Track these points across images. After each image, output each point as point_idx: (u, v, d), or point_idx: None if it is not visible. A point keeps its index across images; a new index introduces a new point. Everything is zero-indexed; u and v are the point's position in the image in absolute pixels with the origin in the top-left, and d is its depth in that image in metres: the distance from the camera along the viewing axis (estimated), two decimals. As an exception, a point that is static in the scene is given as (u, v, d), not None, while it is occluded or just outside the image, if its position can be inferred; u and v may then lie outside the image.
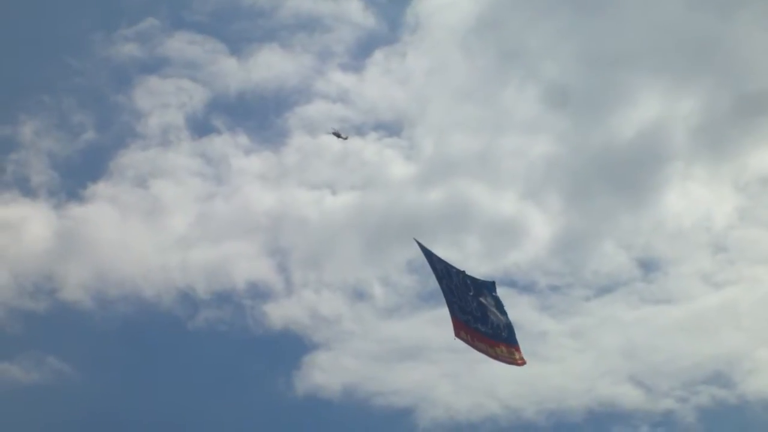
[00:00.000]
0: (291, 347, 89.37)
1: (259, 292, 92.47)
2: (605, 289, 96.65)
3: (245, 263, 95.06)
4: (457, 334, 49.81)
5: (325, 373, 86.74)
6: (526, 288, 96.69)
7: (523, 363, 48.65)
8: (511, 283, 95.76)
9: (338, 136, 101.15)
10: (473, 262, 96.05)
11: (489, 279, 48.95)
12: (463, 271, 48.92)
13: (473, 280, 49.04)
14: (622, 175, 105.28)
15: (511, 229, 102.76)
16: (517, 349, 48.54)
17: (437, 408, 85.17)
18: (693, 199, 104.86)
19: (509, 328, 48.80)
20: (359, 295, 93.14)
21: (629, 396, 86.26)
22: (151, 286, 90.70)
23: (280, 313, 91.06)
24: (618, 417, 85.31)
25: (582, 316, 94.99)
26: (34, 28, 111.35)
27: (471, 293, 49.06)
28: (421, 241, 50.05)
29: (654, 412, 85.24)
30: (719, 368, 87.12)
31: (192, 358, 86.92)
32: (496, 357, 48.91)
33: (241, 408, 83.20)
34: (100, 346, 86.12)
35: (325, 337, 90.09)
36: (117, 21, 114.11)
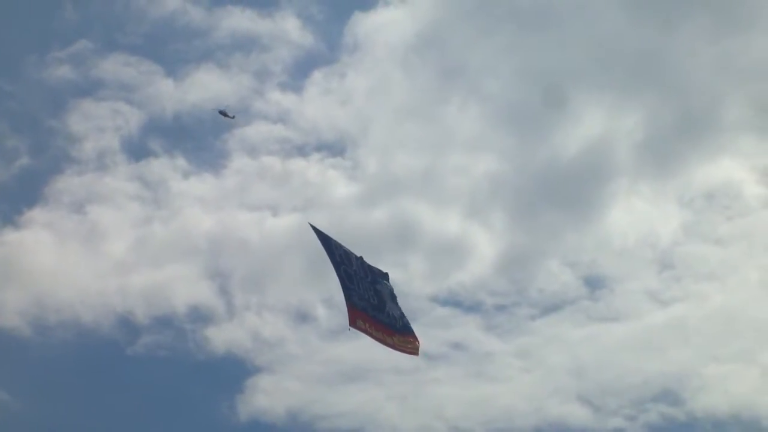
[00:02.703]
0: (234, 371, 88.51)
1: (200, 316, 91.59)
2: (551, 307, 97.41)
3: (185, 287, 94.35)
4: (353, 323, 48.96)
5: (269, 396, 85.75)
6: (472, 308, 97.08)
7: (416, 353, 49.23)
8: (456, 303, 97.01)
9: (225, 115, 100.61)
10: (418, 282, 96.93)
11: (387, 274, 49.34)
12: (361, 257, 48.93)
13: (370, 267, 49.27)
14: (567, 193, 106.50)
15: (456, 248, 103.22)
16: (414, 338, 49.13)
17: (383, 430, 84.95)
18: (638, 215, 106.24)
19: (404, 318, 49.41)
20: (302, 317, 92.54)
21: (577, 415, 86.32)
22: (89, 312, 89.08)
23: (222, 336, 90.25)
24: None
25: (528, 336, 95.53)
26: None
27: (368, 279, 49.12)
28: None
29: (602, 430, 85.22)
30: (668, 386, 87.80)
31: (133, 384, 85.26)
32: (392, 346, 49.18)
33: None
34: (39, 373, 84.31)
35: (268, 360, 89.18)
36: (49, 43, 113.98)
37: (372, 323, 49.16)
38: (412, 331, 49.46)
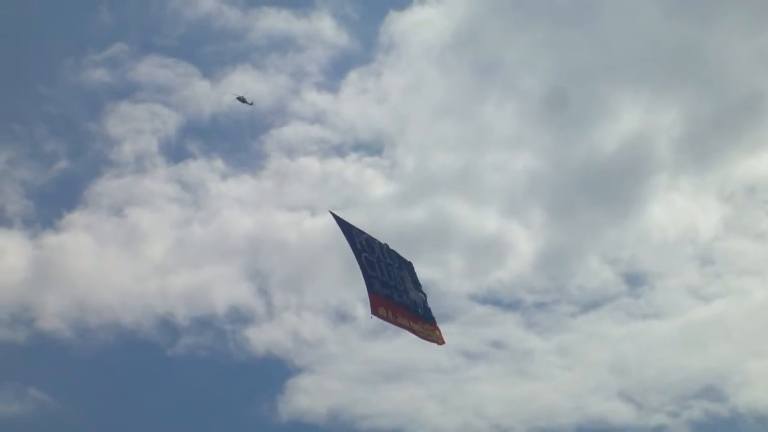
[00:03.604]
0: (274, 371, 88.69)
1: (240, 317, 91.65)
2: (591, 304, 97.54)
3: (225, 288, 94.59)
4: (375, 312, 48.31)
5: (310, 396, 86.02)
6: (511, 306, 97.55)
7: (443, 342, 49.39)
8: (496, 301, 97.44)
9: (243, 101, 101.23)
10: (457, 281, 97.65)
11: (410, 263, 49.52)
12: (386, 244, 48.86)
13: (396, 254, 49.40)
14: (606, 189, 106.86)
15: (494, 246, 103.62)
16: (437, 327, 49.46)
17: (425, 429, 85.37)
18: (678, 210, 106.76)
19: (426, 306, 49.63)
20: (342, 317, 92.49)
21: (620, 412, 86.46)
22: (130, 314, 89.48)
23: (262, 337, 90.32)
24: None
25: (569, 333, 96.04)
26: (1, 56, 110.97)
27: (396, 266, 49.21)
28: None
29: (645, 428, 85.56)
30: (710, 382, 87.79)
31: (173, 386, 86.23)
32: (417, 333, 49.18)
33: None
34: (81, 375, 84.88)
35: (308, 361, 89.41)
36: (86, 46, 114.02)
37: (396, 310, 48.96)
38: (435, 320, 49.65)
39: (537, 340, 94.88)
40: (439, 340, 49.85)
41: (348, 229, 48.72)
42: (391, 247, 50.29)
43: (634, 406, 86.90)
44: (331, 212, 48.99)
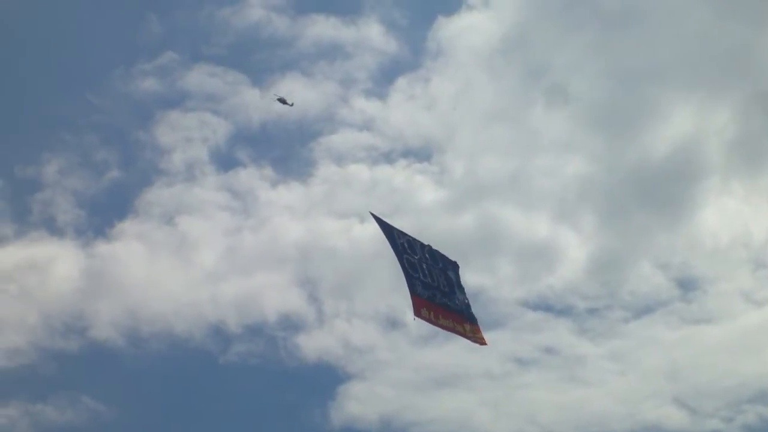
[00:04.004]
0: (325, 378, 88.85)
1: (291, 324, 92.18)
2: (644, 310, 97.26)
3: (276, 295, 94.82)
4: (417, 313, 48.25)
5: (361, 403, 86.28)
6: (563, 312, 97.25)
7: (485, 342, 49.12)
8: (547, 307, 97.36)
9: (284, 102, 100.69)
10: (507, 287, 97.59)
11: (456, 264, 49.58)
12: (429, 245, 48.80)
13: (441, 255, 49.39)
14: (657, 193, 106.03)
15: (545, 252, 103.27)
16: (479, 329, 49.42)
17: None
18: (730, 215, 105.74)
19: (470, 307, 49.58)
20: (392, 323, 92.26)
21: (674, 418, 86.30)
22: (182, 322, 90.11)
23: (312, 344, 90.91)
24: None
25: (621, 339, 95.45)
26: (53, 66, 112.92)
27: (440, 266, 49.23)
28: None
29: None
30: (764, 386, 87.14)
31: (226, 393, 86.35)
32: (461, 334, 49.04)
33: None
34: (134, 383, 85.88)
35: (359, 367, 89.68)
36: (135, 56, 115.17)
37: (439, 311, 48.89)
38: (477, 322, 49.48)
39: (589, 346, 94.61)
40: (481, 341, 49.70)
41: (389, 231, 49.08)
42: (440, 252, 50.80)
43: (688, 412, 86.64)
44: (372, 213, 49.26)
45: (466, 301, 49.91)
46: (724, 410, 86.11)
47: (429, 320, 48.60)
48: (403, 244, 49.09)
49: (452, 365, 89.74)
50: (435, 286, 48.96)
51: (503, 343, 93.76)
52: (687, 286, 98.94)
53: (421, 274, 48.80)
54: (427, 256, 49.28)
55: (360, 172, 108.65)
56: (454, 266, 50.34)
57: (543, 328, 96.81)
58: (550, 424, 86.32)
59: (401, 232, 48.75)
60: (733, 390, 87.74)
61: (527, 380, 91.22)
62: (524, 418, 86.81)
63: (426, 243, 48.90)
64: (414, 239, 49.07)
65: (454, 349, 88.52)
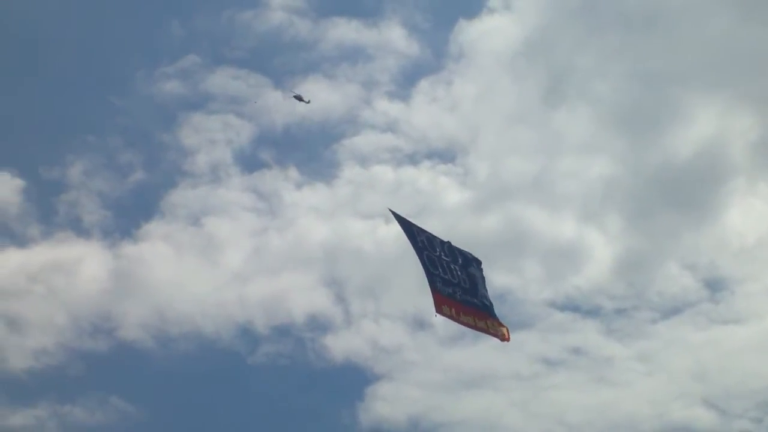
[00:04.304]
0: (353, 379, 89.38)
1: (318, 325, 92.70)
2: (672, 310, 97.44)
3: (302, 296, 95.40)
4: (439, 310, 48.84)
5: (389, 404, 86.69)
6: (590, 312, 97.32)
7: (508, 339, 49.29)
8: (575, 308, 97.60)
9: (300, 99, 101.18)
10: (534, 288, 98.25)
11: (479, 260, 49.66)
12: (449, 242, 49.03)
13: (460, 251, 49.48)
14: (683, 194, 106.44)
15: (571, 253, 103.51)
16: (502, 324, 49.33)
17: None
18: (756, 215, 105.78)
19: (492, 303, 49.57)
20: (419, 324, 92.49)
21: (703, 419, 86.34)
22: (209, 323, 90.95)
23: (340, 345, 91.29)
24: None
25: (649, 340, 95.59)
26: (76, 68, 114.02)
27: (460, 263, 49.24)
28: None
29: None
30: None
31: (254, 394, 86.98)
32: (484, 330, 49.25)
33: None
34: (163, 384, 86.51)
35: (387, 368, 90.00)
36: (158, 58, 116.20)
37: (460, 308, 49.16)
38: (498, 318, 49.43)
39: (617, 346, 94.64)
40: (504, 337, 49.75)
41: (408, 227, 49.55)
42: (461, 248, 50.80)
43: (717, 413, 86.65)
44: (391, 210, 49.72)
45: (489, 298, 50.04)
46: (753, 411, 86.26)
47: (450, 317, 49.10)
48: (422, 241, 49.42)
49: (480, 366, 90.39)
50: (455, 283, 49.15)
51: (531, 343, 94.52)
52: (714, 286, 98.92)
53: (441, 271, 49.12)
54: (447, 252, 49.57)
55: (384, 173, 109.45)
56: (477, 263, 50.29)
57: (570, 328, 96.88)
58: (579, 425, 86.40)
59: (420, 229, 49.25)
60: (763, 391, 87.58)
61: (555, 381, 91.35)
62: (553, 418, 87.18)
63: (446, 240, 49.20)
64: (433, 236, 49.39)
65: (482, 349, 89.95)
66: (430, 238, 49.36)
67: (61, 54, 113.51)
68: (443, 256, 49.38)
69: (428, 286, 49.50)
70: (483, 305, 49.48)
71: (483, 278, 50.11)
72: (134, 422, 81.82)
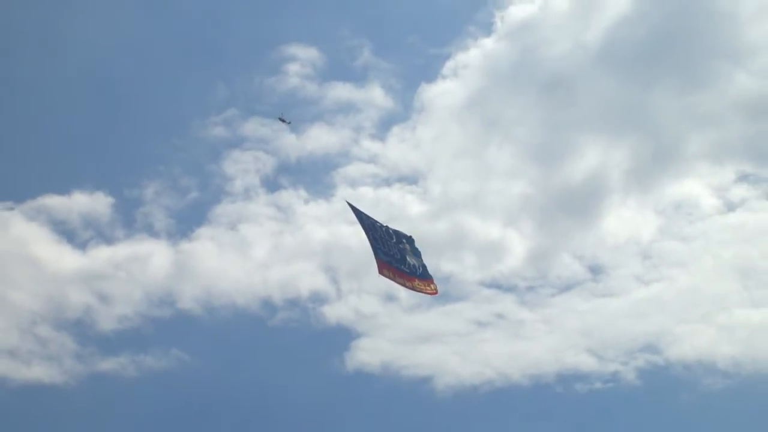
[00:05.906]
0: (342, 336, 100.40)
1: (318, 299, 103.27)
2: (565, 288, 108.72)
3: (307, 278, 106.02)
4: (381, 272, 53.19)
5: (368, 353, 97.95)
6: (509, 289, 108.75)
7: (436, 293, 54.29)
8: (498, 286, 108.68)
9: (283, 120, 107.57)
10: (470, 272, 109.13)
11: (411, 237, 54.35)
12: (387, 226, 53.44)
13: (396, 231, 53.48)
14: (575, 206, 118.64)
15: (497, 248, 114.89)
16: (431, 282, 53.82)
17: (449, 376, 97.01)
18: (626, 221, 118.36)
19: (424, 267, 53.96)
20: (390, 297, 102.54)
21: (586, 363, 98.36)
22: (241, 297, 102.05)
23: (333, 312, 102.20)
24: (579, 377, 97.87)
25: (550, 308, 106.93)
26: (150, 117, 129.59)
27: (393, 240, 53.24)
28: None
29: (604, 373, 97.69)
30: (650, 341, 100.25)
31: (273, 348, 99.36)
32: (413, 288, 53.85)
33: (308, 380, 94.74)
34: (209, 340, 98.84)
35: (366, 328, 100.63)
36: (208, 111, 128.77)
37: (395, 272, 53.25)
38: (430, 277, 54.02)
39: (527, 313, 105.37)
40: (433, 292, 53.94)
41: (359, 214, 53.62)
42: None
43: (597, 359, 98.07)
44: (347, 201, 54.81)
45: (420, 263, 53.61)
46: (622, 357, 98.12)
47: (389, 278, 53.63)
48: (369, 224, 53.73)
49: (432, 327, 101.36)
50: (391, 254, 53.27)
51: (467, 311, 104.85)
52: (596, 271, 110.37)
53: (381, 245, 53.28)
54: (385, 232, 53.66)
55: (367, 192, 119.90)
56: (409, 239, 54.13)
57: (495, 300, 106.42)
58: (501, 367, 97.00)
59: (367, 216, 53.55)
60: (629, 343, 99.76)
61: (484, 337, 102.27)
62: (483, 363, 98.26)
63: (384, 224, 53.99)
64: (375, 221, 53.53)
65: (433, 315, 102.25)
66: (374, 222, 53.50)
67: (140, 107, 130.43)
68: (383, 235, 53.43)
69: (374, 256, 54.05)
70: (410, 271, 53.23)
71: (415, 250, 53.92)
72: (189, 367, 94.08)
